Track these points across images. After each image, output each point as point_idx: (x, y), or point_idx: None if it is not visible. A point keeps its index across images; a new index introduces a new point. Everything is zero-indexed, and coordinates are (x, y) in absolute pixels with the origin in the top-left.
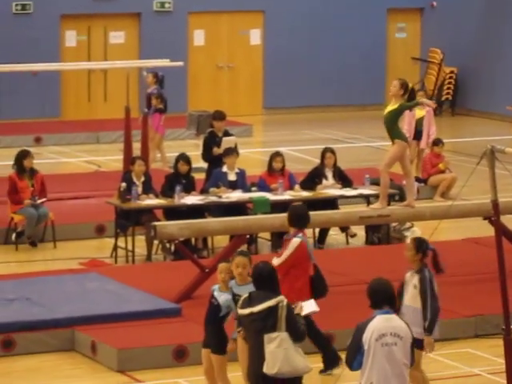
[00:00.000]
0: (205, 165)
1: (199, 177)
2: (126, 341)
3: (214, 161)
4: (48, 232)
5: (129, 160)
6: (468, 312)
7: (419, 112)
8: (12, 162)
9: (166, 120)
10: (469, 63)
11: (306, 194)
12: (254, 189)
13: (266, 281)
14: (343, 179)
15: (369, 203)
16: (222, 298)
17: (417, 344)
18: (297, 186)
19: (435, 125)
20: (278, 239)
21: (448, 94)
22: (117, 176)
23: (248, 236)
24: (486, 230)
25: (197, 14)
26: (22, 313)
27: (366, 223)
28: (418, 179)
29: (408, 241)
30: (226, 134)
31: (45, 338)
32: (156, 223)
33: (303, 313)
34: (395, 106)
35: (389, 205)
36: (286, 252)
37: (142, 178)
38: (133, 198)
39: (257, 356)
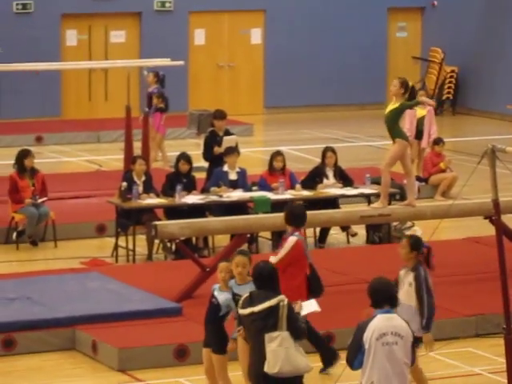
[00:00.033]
0: (206, 164)
1: (200, 176)
2: (126, 340)
3: (215, 160)
4: (49, 231)
5: (130, 159)
6: (469, 311)
7: (420, 111)
8: (13, 162)
9: (166, 119)
10: (469, 62)
11: (306, 193)
12: (254, 188)
13: (266, 280)
14: (344, 178)
15: (369, 202)
16: (222, 297)
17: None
18: (298, 186)
19: (436, 124)
20: (279, 238)
21: (449, 93)
22: (117, 175)
23: (249, 235)
24: (487, 230)
25: (197, 13)
26: (22, 312)
27: (366, 222)
28: (418, 178)
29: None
30: (227, 133)
31: (46, 338)
32: (157, 222)
33: (303, 312)
34: (396, 105)
35: (389, 204)
36: (283, 250)
37: (143, 178)
38: (133, 197)
39: (258, 355)
